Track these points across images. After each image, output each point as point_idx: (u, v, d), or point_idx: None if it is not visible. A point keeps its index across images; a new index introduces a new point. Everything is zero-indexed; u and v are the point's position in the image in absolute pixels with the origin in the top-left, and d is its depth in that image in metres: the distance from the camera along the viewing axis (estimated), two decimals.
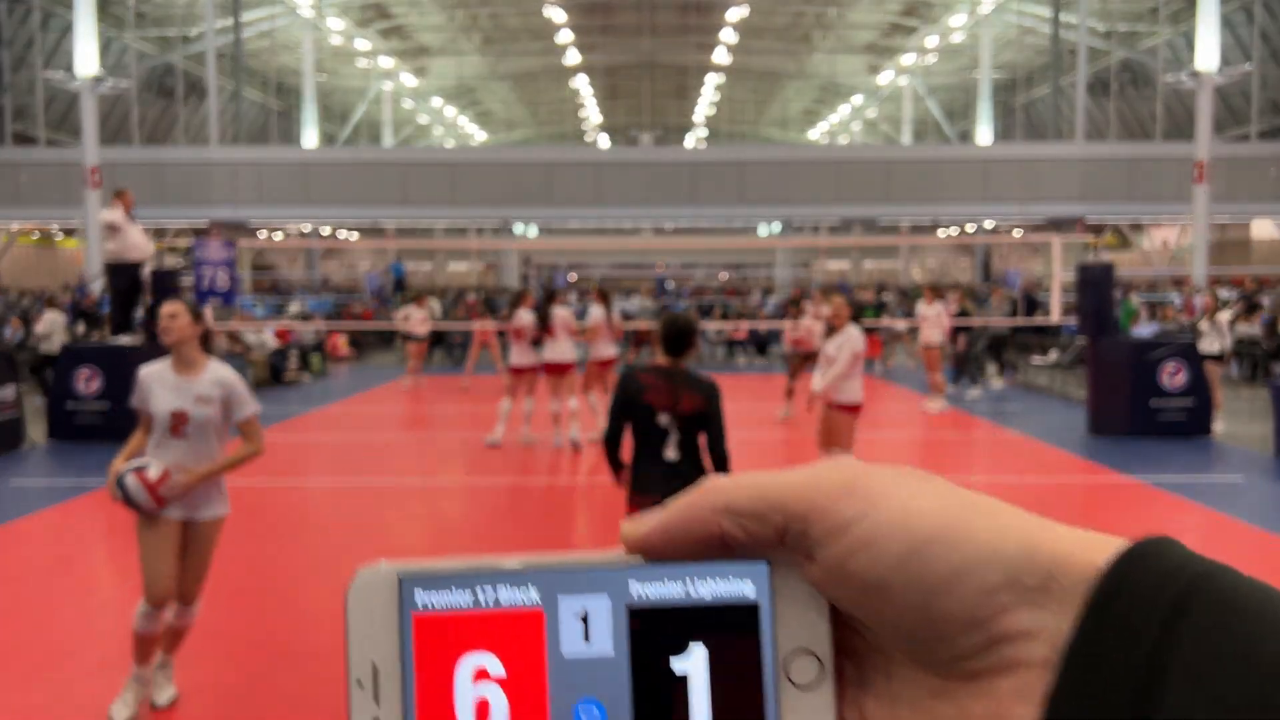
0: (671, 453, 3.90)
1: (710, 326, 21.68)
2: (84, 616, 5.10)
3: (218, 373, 3.98)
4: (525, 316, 9.80)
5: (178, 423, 3.83)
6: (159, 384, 3.87)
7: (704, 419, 3.96)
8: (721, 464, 3.99)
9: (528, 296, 10.07)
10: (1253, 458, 9.62)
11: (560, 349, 9.65)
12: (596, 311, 10.28)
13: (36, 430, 11.00)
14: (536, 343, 9.76)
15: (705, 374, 4.12)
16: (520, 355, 9.87)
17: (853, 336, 7.23)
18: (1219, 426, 11.00)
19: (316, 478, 9.21)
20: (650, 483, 3.90)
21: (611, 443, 4.10)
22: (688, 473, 3.89)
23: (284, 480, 8.94)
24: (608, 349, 10.33)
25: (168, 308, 3.89)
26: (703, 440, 4.01)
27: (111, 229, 10.98)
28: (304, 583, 5.70)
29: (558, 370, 9.76)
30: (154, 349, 11.01)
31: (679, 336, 4.05)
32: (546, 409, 10.16)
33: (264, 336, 17.32)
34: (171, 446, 3.83)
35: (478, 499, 8.21)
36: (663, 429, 3.93)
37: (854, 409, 7.26)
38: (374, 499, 8.02)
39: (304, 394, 15.67)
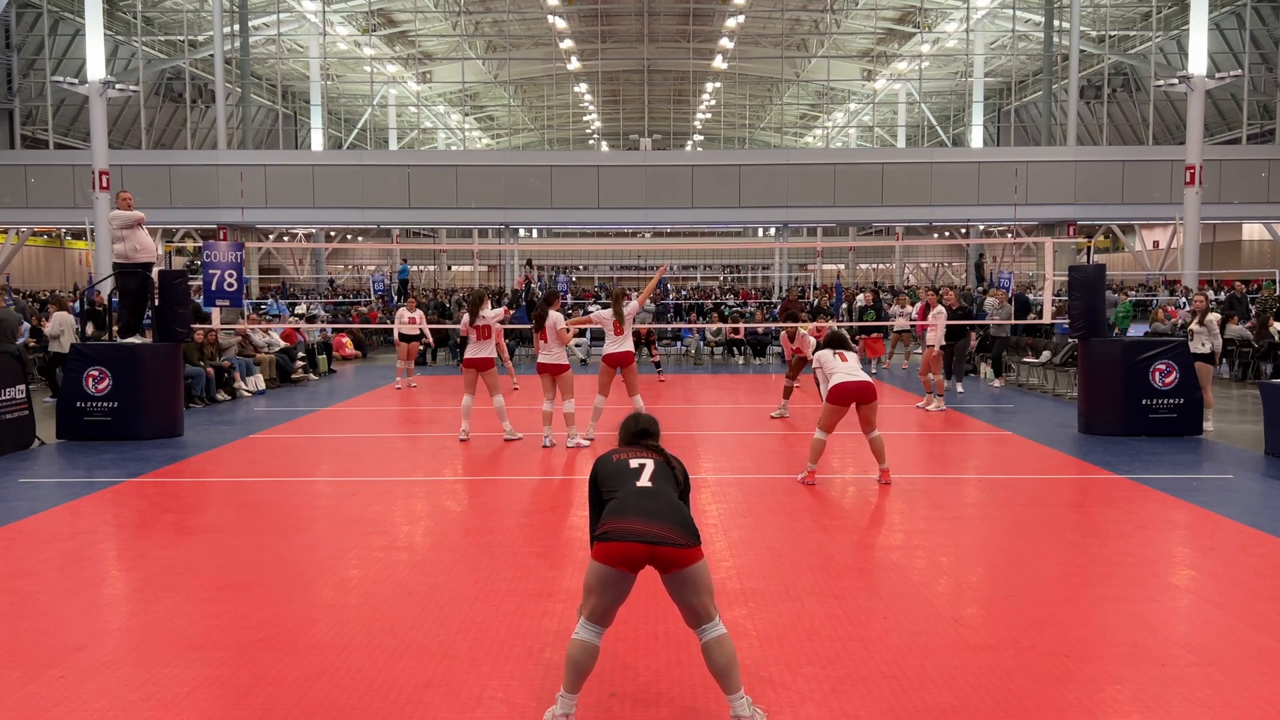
0: (645, 480, 3.76)
1: (709, 326, 22.02)
2: (92, 614, 5.10)
3: None
4: (490, 314, 10.70)
5: None
6: None
7: (678, 474, 3.86)
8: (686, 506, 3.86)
9: (485, 299, 10.89)
10: (1243, 456, 9.66)
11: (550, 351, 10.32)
12: (605, 314, 10.63)
13: (46, 429, 10.98)
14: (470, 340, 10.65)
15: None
16: (477, 349, 10.72)
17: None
18: (1210, 425, 11.12)
19: (321, 474, 9.20)
20: (627, 506, 3.66)
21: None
22: (665, 490, 3.75)
23: (289, 476, 9.03)
24: (616, 346, 10.62)
25: None
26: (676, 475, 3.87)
27: (123, 225, 11.18)
28: (308, 578, 5.74)
29: (550, 370, 10.33)
30: (161, 349, 11.25)
31: (641, 436, 4.00)
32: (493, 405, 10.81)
33: (272, 337, 17.58)
34: None
35: (479, 494, 8.25)
36: (636, 471, 3.80)
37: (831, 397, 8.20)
38: (378, 495, 8.06)
39: (310, 393, 15.80)
